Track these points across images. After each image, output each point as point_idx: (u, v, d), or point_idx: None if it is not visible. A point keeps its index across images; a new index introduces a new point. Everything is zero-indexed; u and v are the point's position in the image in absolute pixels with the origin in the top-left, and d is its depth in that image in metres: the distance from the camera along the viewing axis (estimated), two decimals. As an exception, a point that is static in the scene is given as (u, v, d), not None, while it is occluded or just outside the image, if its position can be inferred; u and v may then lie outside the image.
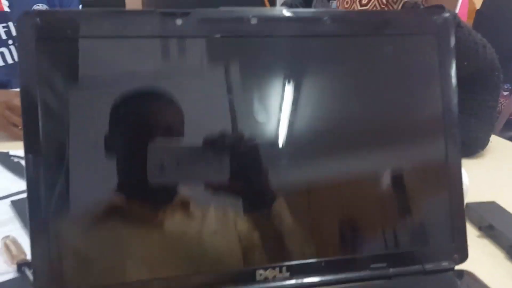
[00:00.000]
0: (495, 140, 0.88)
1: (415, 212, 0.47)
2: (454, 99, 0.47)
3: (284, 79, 0.44)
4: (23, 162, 0.73)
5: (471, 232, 0.57)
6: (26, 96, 0.39)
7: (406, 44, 0.47)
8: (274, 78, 0.44)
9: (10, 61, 1.14)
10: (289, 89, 0.44)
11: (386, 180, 0.47)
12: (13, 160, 0.78)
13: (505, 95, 1.87)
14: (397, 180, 0.47)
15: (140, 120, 0.42)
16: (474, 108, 0.83)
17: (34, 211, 0.39)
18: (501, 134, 1.48)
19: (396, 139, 0.47)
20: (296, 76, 0.45)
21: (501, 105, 1.78)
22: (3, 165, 0.76)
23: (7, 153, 0.79)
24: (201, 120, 0.43)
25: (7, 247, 0.52)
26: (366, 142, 0.47)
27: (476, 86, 0.83)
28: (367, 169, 0.46)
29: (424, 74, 0.47)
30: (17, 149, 0.79)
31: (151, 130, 0.42)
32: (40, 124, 0.39)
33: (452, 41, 0.47)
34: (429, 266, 0.46)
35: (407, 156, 0.47)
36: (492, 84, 0.83)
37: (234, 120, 0.43)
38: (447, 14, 0.47)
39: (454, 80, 0.47)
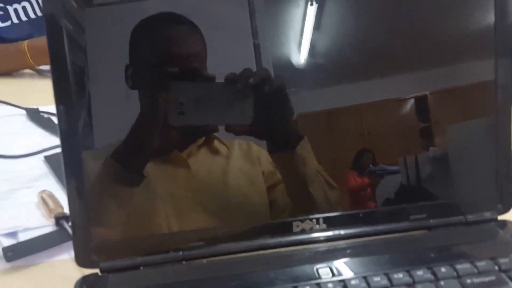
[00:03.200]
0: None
1: (458, 158, 0.45)
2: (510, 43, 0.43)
3: (309, 7, 0.41)
4: (53, 118, 0.74)
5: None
6: (54, 53, 0.38)
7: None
8: (299, 7, 0.41)
9: (32, 15, 1.13)
10: (314, 18, 0.41)
11: (426, 122, 0.44)
12: (43, 116, 0.78)
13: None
14: (440, 124, 0.45)
15: (162, 51, 0.40)
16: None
17: (69, 164, 0.39)
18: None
19: (439, 74, 0.44)
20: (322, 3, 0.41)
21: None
22: (34, 121, 0.77)
23: (37, 109, 0.80)
24: (224, 54, 0.41)
25: (44, 201, 0.53)
26: (404, 76, 0.44)
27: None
28: (404, 109, 0.44)
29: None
30: (46, 105, 0.79)
31: (173, 61, 0.40)
32: (70, 76, 0.38)
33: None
34: (471, 217, 0.44)
35: (451, 95, 0.45)
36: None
37: (258, 56, 0.41)
38: None
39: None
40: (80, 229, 0.40)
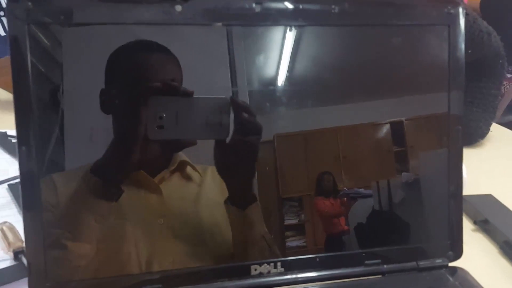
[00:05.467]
0: (495, 128, 0.87)
1: (412, 207, 0.47)
2: (461, 91, 0.46)
3: (285, 33, 0.43)
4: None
5: (466, 226, 0.57)
6: (17, 84, 0.38)
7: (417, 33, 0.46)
8: (275, 32, 0.43)
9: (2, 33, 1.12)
10: (290, 42, 0.43)
11: (383, 162, 0.47)
12: (11, 140, 0.77)
13: (509, 77, 1.85)
14: (399, 162, 0.47)
15: (139, 77, 0.41)
16: (477, 96, 0.82)
17: (27, 196, 0.39)
18: (502, 117, 1.47)
19: (397, 112, 0.47)
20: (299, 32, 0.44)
21: (504, 88, 1.76)
22: (1, 146, 0.76)
23: (5, 133, 0.79)
24: (200, 75, 0.42)
25: (3, 233, 0.52)
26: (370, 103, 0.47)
27: (479, 74, 0.82)
28: (362, 152, 0.47)
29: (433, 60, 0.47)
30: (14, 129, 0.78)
31: (148, 87, 0.40)
32: (32, 99, 0.38)
33: (462, 30, 0.46)
34: (423, 263, 0.46)
35: (410, 136, 0.47)
36: (496, 72, 0.81)
37: (233, 73, 0.42)
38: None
39: (462, 73, 0.46)
40: (36, 266, 0.40)
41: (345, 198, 0.46)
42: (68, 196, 0.40)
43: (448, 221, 0.47)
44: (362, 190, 0.46)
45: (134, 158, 0.40)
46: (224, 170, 0.42)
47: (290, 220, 0.45)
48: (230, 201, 0.43)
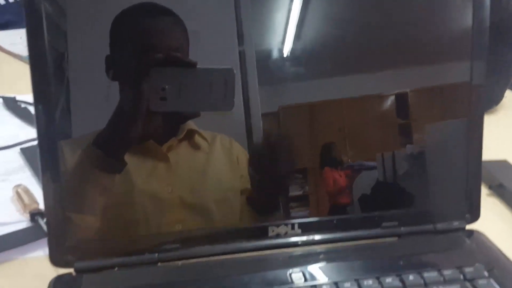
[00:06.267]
0: (509, 95, 0.86)
1: (431, 169, 0.46)
2: (484, 58, 0.45)
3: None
4: (31, 108, 0.73)
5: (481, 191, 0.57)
6: (33, 39, 0.37)
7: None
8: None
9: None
10: (297, 8, 0.42)
11: (401, 130, 0.46)
12: (20, 105, 0.77)
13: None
14: (417, 124, 0.46)
15: (144, 43, 0.40)
16: (491, 61, 0.80)
17: (45, 157, 0.39)
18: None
19: (419, 72, 0.45)
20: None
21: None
22: (11, 110, 0.75)
23: (14, 98, 0.78)
24: (207, 44, 0.41)
25: (19, 195, 0.52)
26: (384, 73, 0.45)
27: (495, 38, 0.79)
28: (380, 113, 0.45)
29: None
30: (24, 94, 0.78)
31: (155, 51, 0.40)
32: (48, 64, 0.38)
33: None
34: (440, 226, 0.46)
35: (427, 106, 0.46)
36: (512, 37, 0.79)
37: (241, 39, 0.41)
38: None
39: (486, 37, 0.45)
40: (56, 227, 0.40)
41: (355, 169, 0.45)
42: (72, 167, 0.40)
43: (466, 184, 0.46)
44: (377, 158, 0.46)
45: (137, 130, 0.40)
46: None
47: (295, 192, 0.45)
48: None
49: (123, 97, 0.39)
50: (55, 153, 0.39)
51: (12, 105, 0.77)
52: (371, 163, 0.46)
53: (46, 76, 0.38)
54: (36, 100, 0.38)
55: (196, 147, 0.42)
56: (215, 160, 0.43)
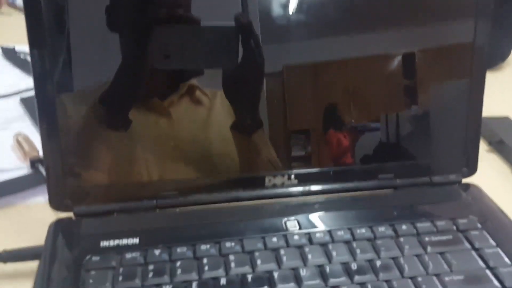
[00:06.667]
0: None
1: (431, 119, 0.46)
2: (489, 11, 0.44)
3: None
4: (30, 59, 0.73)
5: (481, 147, 0.57)
6: None
7: None
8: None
9: None
10: None
11: (400, 79, 0.45)
12: (19, 56, 0.76)
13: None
14: (420, 84, 0.45)
15: None
16: (498, 14, 0.78)
17: (43, 106, 0.39)
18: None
19: (422, 32, 0.44)
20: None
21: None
22: (10, 60, 0.75)
23: (13, 48, 0.78)
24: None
25: (19, 143, 0.52)
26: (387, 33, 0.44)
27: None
28: (378, 65, 0.45)
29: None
30: (23, 44, 0.77)
31: (158, 5, 0.39)
32: (44, 13, 0.37)
33: None
34: (436, 178, 0.46)
35: (428, 56, 0.45)
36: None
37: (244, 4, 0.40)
38: None
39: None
40: (54, 172, 0.40)
41: (359, 129, 0.45)
42: (75, 122, 0.40)
43: (464, 139, 0.46)
44: (381, 118, 0.45)
45: (141, 88, 0.40)
46: (230, 95, 0.42)
47: (297, 152, 0.45)
48: (236, 127, 0.42)
49: (126, 54, 0.39)
50: (52, 103, 0.39)
51: (11, 55, 0.76)
52: (375, 124, 0.45)
53: (42, 26, 0.37)
54: (32, 50, 0.38)
55: (197, 102, 0.42)
56: (216, 114, 0.43)
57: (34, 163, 0.49)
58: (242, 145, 0.43)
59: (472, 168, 0.47)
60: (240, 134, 0.43)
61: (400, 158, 0.46)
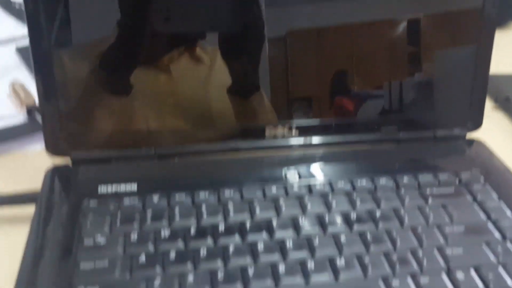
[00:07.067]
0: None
1: (436, 80, 0.45)
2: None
3: None
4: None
5: (486, 104, 0.56)
6: None
7: None
8: None
9: None
10: None
11: (403, 31, 0.43)
12: (15, 6, 0.74)
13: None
14: (417, 33, 0.44)
15: None
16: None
17: (37, 53, 0.38)
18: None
19: (427, 7, 0.43)
20: None
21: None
22: (6, 10, 0.73)
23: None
24: None
25: (15, 92, 0.51)
26: None
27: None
28: (383, 17, 0.43)
29: None
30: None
31: None
32: None
33: None
34: (440, 132, 0.45)
35: (440, 19, 0.44)
36: None
37: None
38: None
39: None
40: (50, 116, 0.40)
41: (362, 96, 0.44)
42: (74, 74, 0.39)
43: (470, 93, 0.45)
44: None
45: (142, 52, 0.40)
46: (228, 57, 0.41)
47: (299, 120, 0.43)
48: (232, 90, 0.42)
49: (125, 17, 0.38)
50: (48, 55, 0.38)
51: (6, 5, 0.74)
52: (379, 90, 0.44)
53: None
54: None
55: (197, 59, 0.42)
56: (217, 72, 0.42)
57: (30, 111, 0.48)
58: (238, 108, 0.42)
59: (476, 122, 0.46)
60: (237, 97, 0.42)
61: (404, 111, 0.45)
